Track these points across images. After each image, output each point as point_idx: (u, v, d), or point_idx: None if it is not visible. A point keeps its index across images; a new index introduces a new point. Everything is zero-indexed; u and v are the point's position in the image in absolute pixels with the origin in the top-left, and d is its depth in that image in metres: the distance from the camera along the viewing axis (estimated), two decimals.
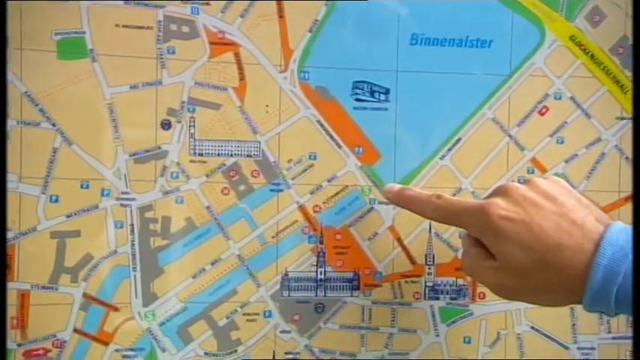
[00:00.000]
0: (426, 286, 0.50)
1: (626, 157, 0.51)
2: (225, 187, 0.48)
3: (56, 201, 0.45)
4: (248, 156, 0.48)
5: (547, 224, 0.36)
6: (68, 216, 0.46)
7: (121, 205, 0.47)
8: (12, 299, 0.45)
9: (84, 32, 0.46)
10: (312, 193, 0.49)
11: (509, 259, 0.37)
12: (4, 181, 0.44)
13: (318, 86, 0.48)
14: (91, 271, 0.46)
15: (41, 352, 0.45)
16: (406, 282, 0.50)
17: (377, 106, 0.49)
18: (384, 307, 0.50)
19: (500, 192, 0.39)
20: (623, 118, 0.51)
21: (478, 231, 0.39)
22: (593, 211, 0.37)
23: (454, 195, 0.49)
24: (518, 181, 0.45)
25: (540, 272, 0.36)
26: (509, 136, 0.51)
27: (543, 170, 0.51)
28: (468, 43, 0.49)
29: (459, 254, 0.50)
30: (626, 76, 0.51)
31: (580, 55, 0.51)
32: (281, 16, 0.48)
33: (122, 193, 0.47)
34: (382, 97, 0.49)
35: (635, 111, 0.48)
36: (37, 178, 0.45)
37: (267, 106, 0.48)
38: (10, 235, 0.45)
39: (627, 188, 0.51)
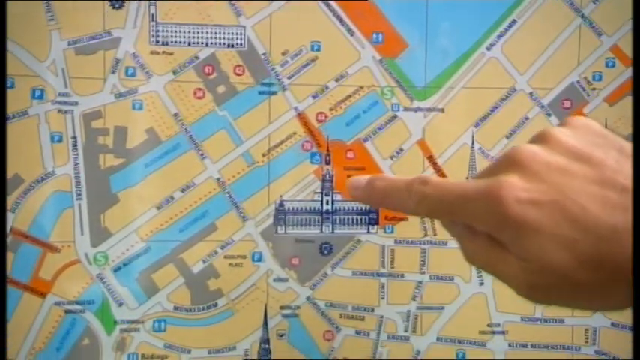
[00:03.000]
0: None
1: None
2: (199, 88, 0.45)
3: None
4: (229, 46, 0.45)
5: (589, 201, 0.29)
6: None
7: (59, 110, 0.43)
8: None
9: None
10: (314, 96, 0.46)
11: (545, 259, 0.30)
12: (4, 182, 0.43)
13: None
14: (20, 198, 0.43)
15: None
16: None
17: None
18: (410, 247, 0.47)
19: (512, 162, 0.31)
20: None
21: (491, 226, 0.32)
22: None
23: (500, 102, 0.46)
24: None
25: (592, 271, 0.29)
26: (582, 16, 0.47)
27: (627, 62, 0.46)
28: None
29: None
30: None
31: None
32: None
33: (60, 94, 0.43)
34: None
35: (635, 111, 0.45)
36: None
37: None
38: None
39: None
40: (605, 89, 0.48)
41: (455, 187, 0.32)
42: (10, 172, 0.42)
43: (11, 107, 0.42)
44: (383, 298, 0.47)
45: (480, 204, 0.30)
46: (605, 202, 0.28)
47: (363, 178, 0.40)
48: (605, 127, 0.47)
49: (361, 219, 0.45)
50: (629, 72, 0.47)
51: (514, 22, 0.47)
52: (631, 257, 0.28)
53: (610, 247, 0.28)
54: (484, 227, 0.31)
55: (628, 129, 0.48)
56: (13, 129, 0.42)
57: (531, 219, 0.29)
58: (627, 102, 0.48)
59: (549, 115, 0.48)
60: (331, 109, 0.46)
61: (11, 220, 0.42)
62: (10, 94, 0.42)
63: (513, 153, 0.30)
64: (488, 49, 0.47)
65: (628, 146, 0.30)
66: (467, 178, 0.47)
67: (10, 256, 0.43)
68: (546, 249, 0.29)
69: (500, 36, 0.47)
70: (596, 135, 0.30)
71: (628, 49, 0.48)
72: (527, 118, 0.47)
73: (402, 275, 0.47)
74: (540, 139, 0.30)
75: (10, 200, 0.42)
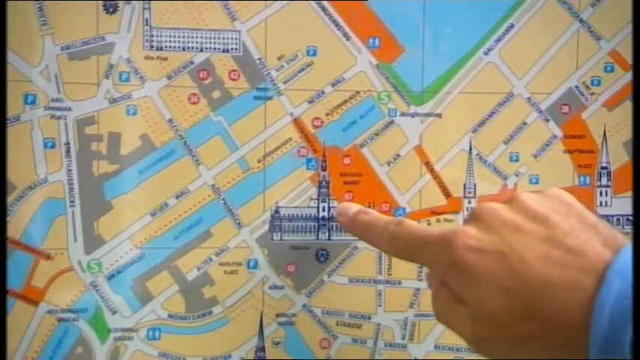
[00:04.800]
0: None
1: None
2: (194, 94, 0.46)
3: None
4: (224, 51, 0.46)
5: (531, 255, 0.32)
6: None
7: (52, 116, 0.44)
8: None
9: None
10: (310, 101, 0.47)
11: (484, 305, 0.33)
12: (4, 182, 0.44)
13: None
14: (12, 205, 0.44)
15: None
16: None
17: None
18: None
19: (473, 216, 0.35)
20: None
21: (441, 269, 0.35)
22: (602, 231, 0.33)
23: (498, 106, 0.48)
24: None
25: (526, 322, 0.32)
26: (581, 20, 0.48)
27: (625, 67, 0.48)
28: None
29: (508, 182, 0.49)
30: None
31: None
32: None
33: (53, 100, 0.44)
34: None
35: (634, 111, 0.47)
36: None
37: None
38: None
39: None
40: (604, 94, 0.49)
41: (420, 231, 0.37)
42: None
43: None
44: (380, 305, 0.48)
45: (435, 247, 0.34)
46: (546, 259, 0.31)
47: (352, 207, 0.43)
48: (604, 133, 0.49)
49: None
50: (628, 77, 0.48)
51: (512, 26, 0.47)
52: (563, 312, 0.31)
53: (542, 299, 0.31)
54: (439, 272, 0.35)
55: (626, 135, 0.49)
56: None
57: (474, 265, 0.32)
58: (626, 107, 0.49)
59: (547, 120, 0.48)
60: (327, 115, 0.46)
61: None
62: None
63: (477, 208, 0.35)
64: (485, 53, 0.47)
65: (591, 217, 0.33)
66: (464, 185, 0.48)
67: None
68: (485, 295, 0.32)
69: (497, 40, 0.47)
70: (562, 203, 0.34)
71: (627, 54, 0.48)
72: (525, 124, 0.48)
73: (399, 282, 0.47)
74: (508, 200, 0.35)
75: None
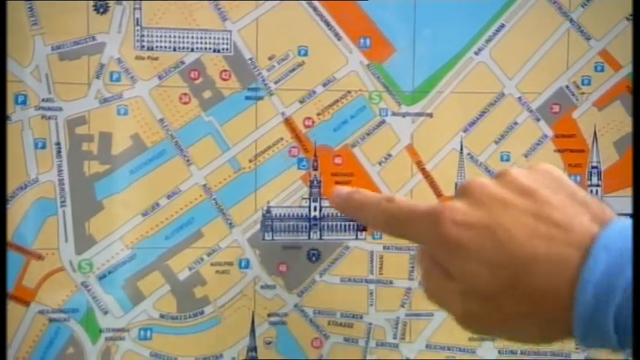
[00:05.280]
0: None
1: None
2: (185, 94, 0.46)
3: None
4: (215, 51, 0.46)
5: (518, 229, 0.33)
6: None
7: (43, 116, 0.45)
8: None
9: None
10: (302, 101, 0.48)
11: (472, 280, 0.34)
12: (4, 182, 0.44)
13: None
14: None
15: None
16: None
17: None
18: (399, 253, 0.49)
19: (462, 191, 0.36)
20: None
21: (429, 244, 0.36)
22: (592, 207, 0.33)
23: (488, 106, 0.49)
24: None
25: (513, 297, 0.33)
26: (571, 20, 0.49)
27: (616, 66, 0.49)
28: None
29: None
30: None
31: None
32: None
33: (44, 100, 0.45)
34: None
35: (635, 112, 0.48)
36: None
37: None
38: None
39: None
40: (594, 94, 0.49)
41: (409, 206, 0.37)
42: None
43: None
44: (371, 305, 0.48)
45: (424, 222, 0.35)
46: (533, 233, 0.32)
47: (346, 189, 0.44)
48: (594, 132, 0.50)
49: (349, 225, 0.47)
50: (618, 76, 0.49)
51: (502, 26, 0.48)
52: (549, 286, 0.31)
53: (528, 274, 0.31)
54: (425, 246, 0.36)
55: (616, 134, 0.50)
56: None
57: (462, 239, 0.33)
58: (616, 107, 0.50)
59: (538, 119, 0.49)
60: (318, 115, 0.47)
61: None
62: None
63: (466, 183, 0.36)
64: (476, 53, 0.48)
65: (580, 193, 0.34)
66: (455, 184, 0.49)
67: None
68: (473, 269, 0.33)
69: (488, 40, 0.48)
70: (552, 179, 0.34)
71: (617, 54, 0.50)
72: (516, 123, 0.49)
73: (391, 282, 0.48)
74: (498, 175, 0.35)
75: None
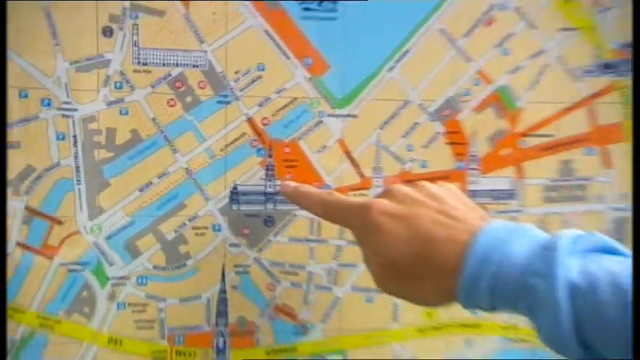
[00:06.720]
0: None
1: (568, 69, 0.58)
2: (171, 99, 0.52)
3: None
4: (194, 66, 0.52)
5: (425, 219, 0.39)
6: (7, 126, 0.49)
7: (63, 115, 0.50)
8: None
9: None
10: (260, 105, 0.53)
11: (390, 254, 0.39)
12: (4, 182, 0.48)
13: None
14: (33, 183, 0.50)
15: None
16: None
17: (325, 15, 0.53)
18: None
19: (386, 193, 0.42)
20: (565, 29, 0.58)
21: (360, 227, 0.42)
22: (479, 211, 0.40)
23: (398, 110, 0.55)
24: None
25: (418, 265, 0.38)
26: (457, 47, 0.56)
27: (488, 81, 0.57)
28: None
29: (406, 166, 0.57)
30: None
31: None
32: None
33: (63, 103, 0.50)
34: (330, 5, 0.53)
35: (635, 111, 0.51)
36: None
37: (213, 14, 0.52)
38: None
39: (566, 99, 0.59)
40: (473, 101, 0.56)
41: (346, 200, 0.44)
42: (24, 164, 0.50)
43: (26, 113, 0.49)
44: (312, 258, 0.55)
45: (357, 211, 0.41)
46: (436, 222, 0.38)
47: (293, 183, 0.49)
48: (473, 130, 0.56)
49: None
50: (490, 89, 0.56)
51: (408, 51, 0.55)
52: (444, 258, 0.37)
53: (431, 249, 0.37)
54: (358, 229, 0.42)
55: (489, 131, 0.57)
56: (27, 130, 0.49)
57: (385, 225, 0.39)
58: (489, 111, 0.57)
59: (434, 120, 0.56)
60: (273, 115, 0.53)
61: (26, 200, 0.50)
62: (25, 102, 0.49)
63: (390, 188, 0.42)
64: (389, 71, 0.54)
65: (470, 201, 0.41)
66: (373, 168, 0.55)
67: (24, 229, 0.50)
68: (391, 246, 0.39)
69: (398, 61, 0.54)
70: (453, 192, 0.42)
71: (490, 72, 0.56)
72: (417, 123, 0.56)
73: (326, 241, 0.55)
74: (414, 185, 0.42)
75: (25, 185, 0.50)
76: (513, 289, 0.35)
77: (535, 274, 0.35)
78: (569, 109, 0.58)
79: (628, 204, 0.60)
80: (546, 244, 0.36)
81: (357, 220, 0.42)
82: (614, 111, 0.59)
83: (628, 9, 0.56)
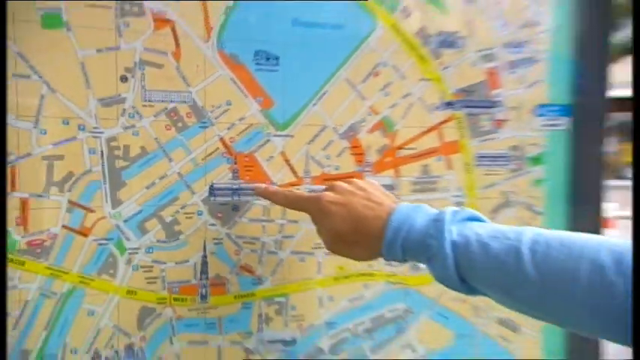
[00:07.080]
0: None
1: (426, 105, 0.85)
2: (168, 125, 0.69)
3: (45, 133, 0.65)
4: (183, 102, 0.69)
5: (358, 205, 0.51)
6: (54, 144, 0.65)
7: (93, 136, 0.66)
8: (15, 204, 0.65)
9: (60, 9, 0.67)
10: (228, 128, 0.71)
11: (334, 230, 0.52)
12: (4, 182, 0.57)
13: (231, 53, 0.71)
14: (73, 184, 0.66)
15: (39, 241, 0.66)
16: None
17: (271, 68, 0.73)
18: (277, 206, 0.73)
19: (330, 187, 0.56)
20: (423, 80, 0.84)
21: (314, 212, 0.55)
22: (392, 197, 0.54)
23: (319, 132, 0.76)
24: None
25: (354, 234, 0.51)
26: (356, 90, 0.76)
27: (376, 113, 0.78)
28: (330, 26, 0.76)
29: (325, 170, 0.78)
30: (424, 50, 0.82)
31: (397, 37, 0.79)
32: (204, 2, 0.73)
33: (94, 128, 0.66)
34: (274, 62, 0.73)
35: (635, 110, 0.53)
36: (30, 116, 0.64)
37: (197, 66, 0.70)
38: (12, 157, 0.65)
39: (425, 125, 0.84)
40: (367, 126, 0.76)
41: (302, 194, 0.60)
42: (66, 171, 0.65)
43: (66, 136, 0.65)
44: (264, 232, 0.73)
45: (311, 202, 0.56)
46: (365, 206, 0.52)
47: (263, 185, 0.66)
48: (368, 146, 0.77)
49: (253, 192, 0.71)
50: (375, 119, 0.77)
51: (325, 92, 0.73)
52: (372, 229, 0.49)
53: (362, 224, 0.51)
54: (312, 214, 0.56)
55: (379, 145, 0.77)
56: (68, 147, 0.65)
57: (331, 209, 0.53)
58: (377, 133, 0.77)
59: (342, 139, 0.74)
60: (237, 135, 0.70)
61: (68, 196, 0.67)
62: (67, 128, 0.65)
63: (333, 184, 0.56)
64: (313, 105, 0.73)
65: (384, 190, 0.54)
66: (304, 171, 0.74)
67: (67, 216, 0.67)
68: (336, 224, 0.53)
69: (319, 99, 0.73)
70: (372, 184, 0.56)
71: (377, 107, 0.76)
72: (332, 140, 0.74)
73: (274, 220, 0.73)
74: (348, 181, 0.57)
75: (67, 185, 0.66)
76: (417, 247, 0.49)
77: (430, 237, 0.49)
78: (426, 132, 0.81)
79: (462, 193, 0.85)
80: (436, 216, 0.50)
81: (312, 207, 0.57)
82: (453, 133, 0.83)
83: (465, 66, 0.83)
